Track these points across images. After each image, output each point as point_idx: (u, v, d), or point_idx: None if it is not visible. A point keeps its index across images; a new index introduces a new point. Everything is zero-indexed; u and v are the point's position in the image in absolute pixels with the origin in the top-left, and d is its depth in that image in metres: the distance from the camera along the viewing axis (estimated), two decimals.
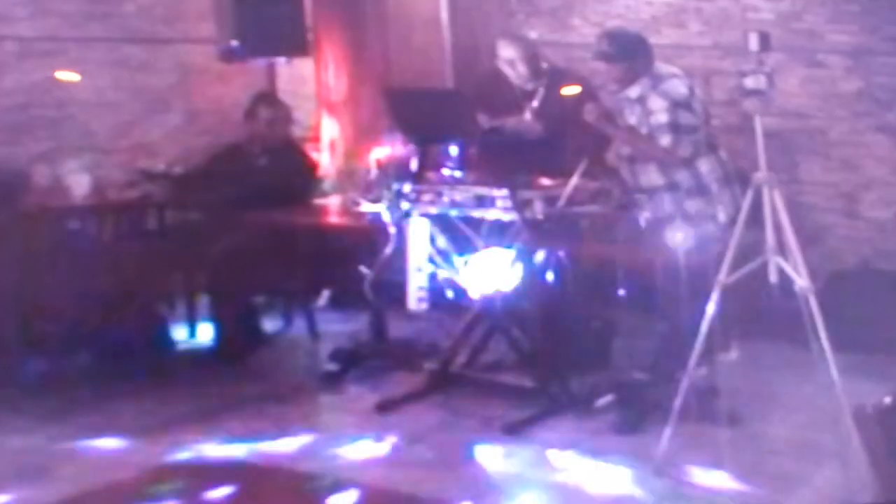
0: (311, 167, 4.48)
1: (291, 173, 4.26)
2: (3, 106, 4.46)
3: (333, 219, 4.14)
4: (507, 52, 3.99)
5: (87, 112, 4.68)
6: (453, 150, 3.79)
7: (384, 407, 3.59)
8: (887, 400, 2.09)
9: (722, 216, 3.45)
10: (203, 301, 4.33)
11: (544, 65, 4.04)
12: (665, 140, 3.44)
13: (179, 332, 4.32)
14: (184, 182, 4.24)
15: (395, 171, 3.87)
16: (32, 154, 4.43)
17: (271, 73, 4.86)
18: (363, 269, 3.88)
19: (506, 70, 4.01)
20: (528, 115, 4.00)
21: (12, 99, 4.50)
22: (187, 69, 4.94)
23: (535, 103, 3.99)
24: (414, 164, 3.68)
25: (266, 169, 4.28)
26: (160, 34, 4.87)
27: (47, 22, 4.58)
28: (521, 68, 3.96)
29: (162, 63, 4.89)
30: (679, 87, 3.48)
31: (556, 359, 3.58)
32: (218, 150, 4.42)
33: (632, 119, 3.54)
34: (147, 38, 4.83)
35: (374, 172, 4.09)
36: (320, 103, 5.04)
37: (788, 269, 2.93)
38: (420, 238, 3.67)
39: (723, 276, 2.96)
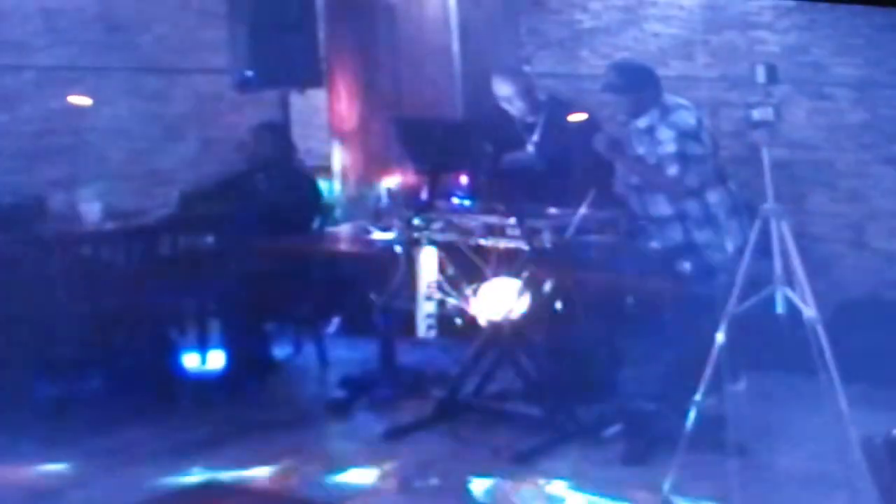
0: (316, 193, 4.51)
1: (294, 199, 4.29)
2: (20, 133, 4.54)
3: (344, 246, 4.17)
4: (503, 90, 4.01)
5: (102, 140, 4.74)
6: (463, 179, 3.83)
7: (392, 435, 3.60)
8: None
9: (730, 246, 3.46)
10: (214, 327, 4.36)
11: (542, 97, 4.05)
12: (673, 170, 3.48)
13: (190, 359, 4.34)
14: (189, 200, 4.29)
15: (406, 199, 3.92)
16: (48, 180, 4.49)
17: (285, 102, 4.93)
18: (373, 296, 3.90)
19: (506, 107, 4.04)
20: (530, 148, 4.03)
21: (30, 126, 4.57)
22: (202, 98, 5.01)
23: (535, 136, 4.02)
24: (424, 193, 3.72)
25: (268, 194, 4.32)
26: (176, 64, 4.95)
27: (65, 51, 4.67)
28: (519, 104, 3.98)
29: (177, 92, 4.97)
30: (687, 118, 3.52)
31: (564, 388, 3.59)
32: (225, 175, 4.47)
33: (640, 149, 3.58)
34: (163, 67, 4.91)
35: (384, 201, 4.13)
36: (333, 133, 5.10)
37: (796, 299, 2.94)
38: (429, 266, 3.70)
39: (731, 307, 2.97)
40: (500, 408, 3.70)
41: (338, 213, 4.70)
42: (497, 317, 3.60)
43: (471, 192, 3.79)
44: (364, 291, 3.99)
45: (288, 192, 4.34)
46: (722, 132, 4.02)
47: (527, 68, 4.22)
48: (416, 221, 3.65)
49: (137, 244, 4.30)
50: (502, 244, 3.52)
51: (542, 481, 3.21)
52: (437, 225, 3.63)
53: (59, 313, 3.81)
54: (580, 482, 3.17)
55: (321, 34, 4.79)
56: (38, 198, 4.22)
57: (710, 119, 3.91)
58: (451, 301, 3.66)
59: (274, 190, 4.38)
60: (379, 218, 4.01)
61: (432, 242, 3.67)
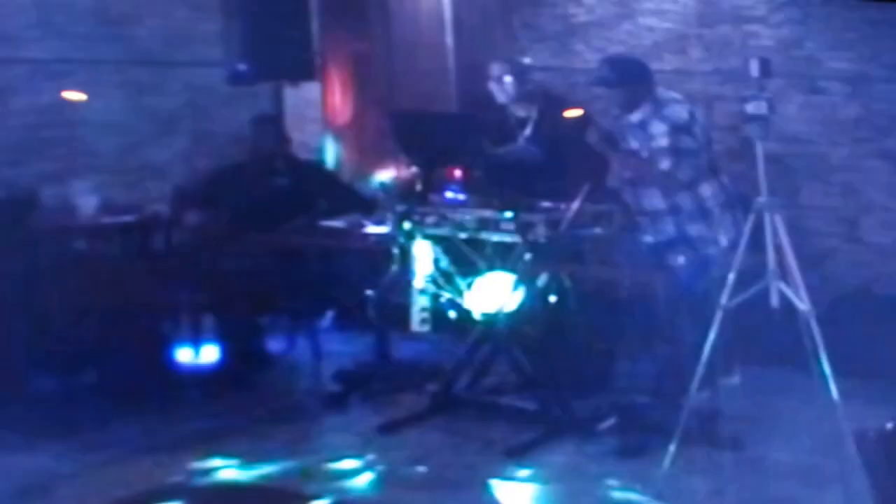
0: (313, 184, 4.49)
1: (289, 191, 4.29)
2: (13, 126, 4.51)
3: (338, 240, 4.17)
4: (495, 70, 3.98)
5: (95, 133, 4.72)
6: (457, 172, 3.82)
7: (387, 428, 3.60)
8: (889, 424, 2.09)
9: (723, 240, 3.47)
10: (208, 321, 4.35)
11: (536, 90, 4.02)
12: (665, 164, 3.48)
13: (184, 352, 4.33)
14: (183, 194, 4.27)
15: (400, 193, 3.91)
16: (41, 174, 4.47)
17: (278, 96, 4.92)
18: (367, 290, 3.90)
19: (493, 89, 3.99)
20: (522, 142, 4.02)
21: (22, 120, 4.55)
22: (195, 91, 5.00)
23: (527, 130, 4.00)
24: (418, 187, 3.72)
25: (263, 187, 4.30)
26: (169, 57, 4.93)
27: (58, 44, 4.64)
28: (508, 85, 3.93)
29: (170, 85, 4.95)
30: (680, 112, 3.52)
31: (559, 382, 3.59)
32: (218, 168, 4.45)
33: (634, 144, 3.58)
34: (156, 60, 4.89)
35: (379, 194, 4.13)
36: (327, 126, 5.09)
37: (790, 293, 2.95)
38: (424, 260, 3.70)
39: (724, 300, 2.98)
40: (494, 402, 3.70)
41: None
42: (491, 311, 3.60)
43: (465, 186, 3.79)
44: (358, 285, 3.99)
45: (283, 185, 4.33)
46: (716, 126, 4.03)
47: (527, 60, 4.19)
48: (410, 215, 3.65)
49: (131, 237, 4.30)
50: (496, 238, 3.52)
51: (536, 475, 3.21)
52: (431, 219, 3.63)
53: (53, 307, 3.80)
54: (575, 476, 3.18)
55: (315, 27, 4.77)
56: (30, 191, 4.20)
57: (704, 113, 3.91)
58: (446, 295, 3.66)
59: (268, 182, 4.37)
60: (373, 212, 4.00)
61: (426, 236, 3.67)
